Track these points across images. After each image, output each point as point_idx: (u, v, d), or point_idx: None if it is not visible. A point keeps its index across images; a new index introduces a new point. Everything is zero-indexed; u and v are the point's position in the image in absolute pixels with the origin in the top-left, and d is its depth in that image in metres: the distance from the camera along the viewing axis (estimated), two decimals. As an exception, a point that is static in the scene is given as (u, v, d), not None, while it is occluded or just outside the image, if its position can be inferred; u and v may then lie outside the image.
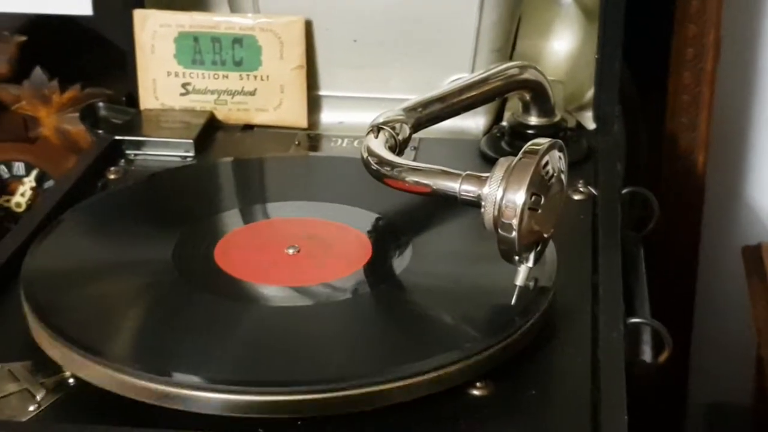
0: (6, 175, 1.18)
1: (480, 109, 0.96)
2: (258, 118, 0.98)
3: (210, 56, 0.97)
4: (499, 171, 0.67)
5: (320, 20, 0.97)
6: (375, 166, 0.74)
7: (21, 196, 1.17)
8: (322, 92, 1.00)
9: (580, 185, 0.86)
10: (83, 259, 0.73)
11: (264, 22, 0.96)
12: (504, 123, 0.96)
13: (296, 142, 0.95)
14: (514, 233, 0.65)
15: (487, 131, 0.98)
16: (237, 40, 0.96)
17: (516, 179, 0.65)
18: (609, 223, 0.80)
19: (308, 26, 0.96)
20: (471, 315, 0.67)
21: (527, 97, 0.91)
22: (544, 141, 0.67)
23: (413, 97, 0.94)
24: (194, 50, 0.97)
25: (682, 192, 1.10)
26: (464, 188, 0.69)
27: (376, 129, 0.77)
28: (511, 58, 1.03)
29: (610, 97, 0.96)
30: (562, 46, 1.04)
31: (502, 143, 0.94)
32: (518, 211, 0.65)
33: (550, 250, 0.72)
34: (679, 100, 1.09)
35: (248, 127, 0.99)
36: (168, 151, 0.92)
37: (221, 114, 0.98)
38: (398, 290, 0.70)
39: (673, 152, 1.10)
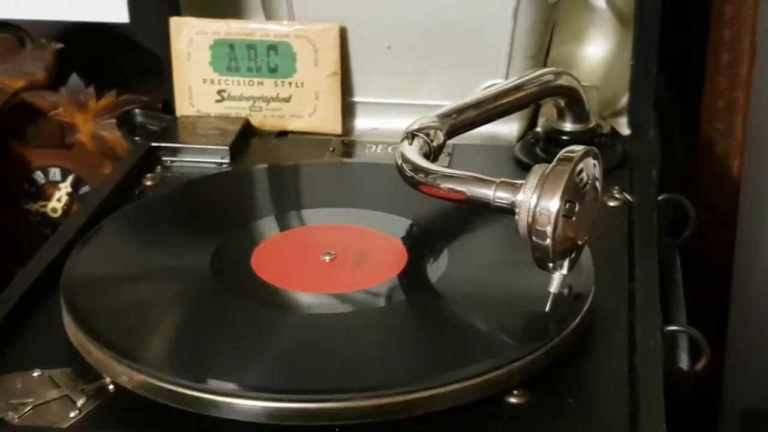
0: (42, 181, 1.19)
1: (514, 115, 0.96)
2: (293, 125, 0.99)
3: (245, 63, 0.97)
4: (533, 178, 0.67)
5: (355, 27, 0.97)
6: (409, 173, 0.74)
7: (57, 202, 1.19)
8: (356, 98, 1.00)
9: (615, 191, 0.86)
10: (122, 266, 0.73)
11: (299, 29, 0.96)
12: (538, 129, 0.96)
13: (330, 149, 0.96)
14: (548, 240, 0.65)
15: (521, 137, 0.98)
16: (272, 47, 0.97)
17: (550, 186, 0.65)
18: (645, 230, 0.80)
19: (343, 33, 0.97)
20: (507, 323, 0.67)
21: (562, 103, 0.91)
22: (578, 148, 0.67)
23: (447, 103, 0.95)
24: (230, 57, 0.97)
25: (717, 198, 1.09)
26: (498, 195, 0.69)
27: (411, 136, 0.78)
28: (545, 65, 1.03)
29: (645, 102, 0.96)
30: (597, 51, 1.04)
31: (537, 149, 0.94)
32: (552, 218, 0.65)
33: (586, 256, 0.72)
34: (715, 105, 1.09)
35: (283, 134, 0.99)
36: (204, 157, 0.93)
37: (256, 120, 0.99)
38: (434, 297, 0.70)
39: (708, 158, 1.09)
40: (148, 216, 0.80)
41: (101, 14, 1.03)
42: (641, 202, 0.84)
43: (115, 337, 0.64)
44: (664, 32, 0.94)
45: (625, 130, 0.98)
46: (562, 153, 0.67)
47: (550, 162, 0.88)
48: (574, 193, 0.66)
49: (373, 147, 0.96)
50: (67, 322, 0.67)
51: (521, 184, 0.68)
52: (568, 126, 0.92)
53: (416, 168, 0.74)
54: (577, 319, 0.67)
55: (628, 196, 0.86)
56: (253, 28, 0.97)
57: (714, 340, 0.73)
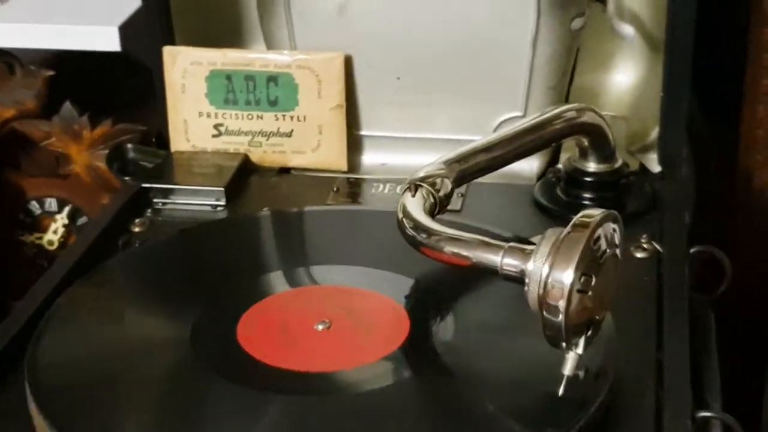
0: (38, 212, 1.14)
1: (534, 151, 0.89)
2: (295, 161, 0.92)
3: (243, 95, 0.90)
4: (545, 245, 0.60)
5: (361, 56, 0.90)
6: (410, 232, 0.67)
7: (53, 234, 1.13)
8: (363, 132, 0.93)
9: (643, 240, 0.78)
10: (91, 344, 0.66)
11: (300, 58, 0.89)
12: (560, 166, 0.89)
13: (335, 188, 0.89)
14: (561, 317, 0.58)
15: (542, 174, 0.90)
16: (272, 78, 0.90)
17: (564, 256, 0.58)
18: (675, 290, 0.72)
19: (348, 63, 0.90)
20: (517, 405, 0.60)
21: (585, 142, 0.83)
22: (596, 212, 0.60)
23: (460, 138, 0.88)
24: (227, 89, 0.90)
25: (758, 246, 1.01)
26: (507, 262, 0.62)
27: (413, 187, 0.70)
28: (568, 93, 0.96)
29: (676, 137, 0.88)
30: (624, 79, 0.96)
31: (558, 191, 0.86)
32: (566, 292, 0.58)
33: (608, 323, 0.65)
34: (754, 134, 1.01)
35: (285, 170, 0.92)
36: (198, 199, 0.86)
37: (256, 156, 0.92)
38: (438, 375, 0.63)
39: (746, 193, 1.01)
40: (126, 277, 0.73)
41: (92, 42, 0.97)
42: (671, 256, 0.76)
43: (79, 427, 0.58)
44: (699, 56, 0.86)
45: (655, 167, 0.90)
46: (578, 217, 0.60)
47: (571, 207, 0.83)
48: (590, 264, 0.58)
49: (381, 186, 0.89)
50: (33, 411, 0.61)
51: (532, 250, 0.60)
52: (591, 166, 0.84)
53: (418, 226, 0.67)
54: (597, 403, 0.60)
55: (657, 246, 0.78)
56: (251, 57, 0.90)
57: (749, 421, 0.66)
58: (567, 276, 0.58)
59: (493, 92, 0.90)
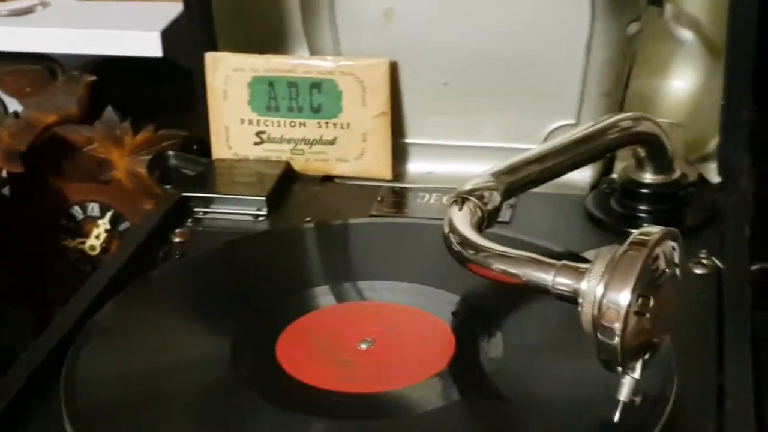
0: (80, 216, 1.13)
1: (587, 159, 0.86)
2: (338, 169, 0.89)
3: (286, 102, 0.88)
4: (600, 264, 0.56)
5: (407, 62, 0.87)
6: (457, 247, 0.64)
7: (95, 239, 1.12)
8: (409, 140, 0.90)
9: (702, 256, 0.74)
10: (127, 361, 0.64)
11: (344, 65, 0.86)
12: (614, 175, 0.85)
13: (379, 198, 0.86)
14: (617, 340, 0.55)
15: (595, 185, 0.87)
16: (315, 85, 0.87)
17: (620, 276, 0.55)
18: (737, 308, 0.68)
19: (394, 69, 0.87)
20: (569, 431, 0.57)
21: (642, 152, 0.80)
22: (655, 230, 0.57)
23: (509, 146, 0.85)
24: (269, 96, 0.88)
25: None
26: (559, 281, 0.58)
27: (461, 200, 0.67)
28: (623, 100, 0.92)
29: (737, 147, 0.84)
30: (683, 85, 0.92)
31: (612, 202, 0.83)
32: (622, 314, 0.54)
33: (667, 346, 0.61)
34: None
35: (328, 178, 0.90)
36: (239, 208, 0.84)
37: (298, 164, 0.89)
38: (484, 399, 0.60)
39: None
40: (164, 291, 0.71)
41: (134, 48, 0.95)
42: (733, 273, 0.72)
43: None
44: (762, 60, 0.82)
45: (715, 178, 0.86)
46: (635, 235, 0.57)
47: (626, 219, 0.79)
48: (648, 284, 0.55)
49: (426, 196, 0.86)
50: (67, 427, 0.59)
51: (586, 269, 0.57)
52: (648, 177, 0.81)
53: (465, 242, 0.64)
54: (655, 431, 0.56)
55: (717, 262, 0.74)
56: (294, 63, 0.87)
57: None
58: (623, 297, 0.55)
59: (545, 99, 0.87)
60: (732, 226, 0.78)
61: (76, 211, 1.12)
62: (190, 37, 0.89)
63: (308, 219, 0.82)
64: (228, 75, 0.88)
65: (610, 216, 0.81)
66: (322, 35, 0.88)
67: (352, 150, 0.88)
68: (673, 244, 0.58)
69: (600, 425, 0.57)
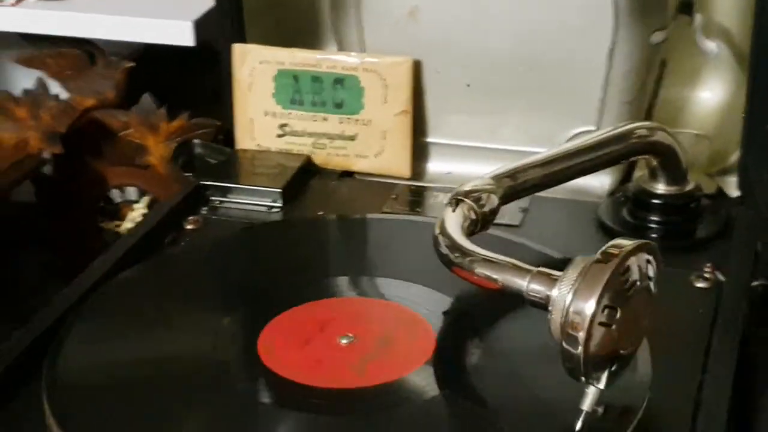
0: (118, 199, 1.15)
1: (606, 167, 0.85)
2: (357, 165, 0.90)
3: (309, 96, 0.89)
4: (572, 272, 0.56)
5: (431, 61, 0.88)
6: (444, 250, 0.64)
7: (131, 222, 1.14)
8: (430, 139, 0.91)
9: (706, 269, 0.74)
10: (109, 350, 0.65)
11: (368, 62, 0.87)
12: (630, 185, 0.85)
13: (393, 196, 0.86)
14: (580, 349, 0.54)
15: (613, 192, 0.86)
16: (338, 81, 0.88)
17: (587, 286, 0.55)
18: (728, 324, 0.68)
19: (417, 67, 0.87)
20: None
21: (654, 162, 0.79)
22: (627, 242, 0.56)
23: (529, 150, 0.84)
24: (293, 89, 0.89)
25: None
26: (532, 287, 0.58)
27: (455, 201, 0.67)
28: (651, 108, 0.91)
29: (758, 161, 0.83)
30: (711, 96, 0.91)
31: (624, 212, 0.82)
32: (586, 323, 0.54)
33: (645, 357, 0.61)
34: None
35: (347, 174, 0.90)
36: (255, 199, 0.85)
37: (319, 159, 0.90)
38: (454, 397, 0.60)
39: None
40: (157, 280, 0.72)
41: (166, 36, 0.97)
42: (732, 287, 0.71)
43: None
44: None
45: (734, 192, 0.85)
46: (607, 246, 0.56)
47: (637, 230, 0.79)
48: (616, 296, 0.55)
49: (441, 196, 0.86)
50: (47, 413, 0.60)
51: (559, 276, 0.57)
52: (660, 188, 0.80)
53: (452, 245, 0.64)
54: (616, 444, 0.56)
55: (720, 276, 0.73)
56: (319, 58, 0.88)
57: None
58: (589, 307, 0.54)
59: (566, 104, 0.86)
60: (741, 241, 0.77)
61: (115, 194, 1.14)
62: (220, 29, 0.91)
63: (320, 213, 0.83)
64: (254, 67, 0.90)
65: (621, 225, 0.81)
66: (349, 32, 0.89)
67: (372, 147, 0.89)
68: (648, 257, 0.57)
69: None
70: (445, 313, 0.67)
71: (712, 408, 0.60)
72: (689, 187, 0.80)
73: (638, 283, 0.56)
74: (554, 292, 0.57)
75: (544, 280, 0.58)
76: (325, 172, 0.90)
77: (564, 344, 0.55)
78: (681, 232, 0.80)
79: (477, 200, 0.68)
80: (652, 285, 0.58)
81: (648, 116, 0.92)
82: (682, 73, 0.92)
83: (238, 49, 0.90)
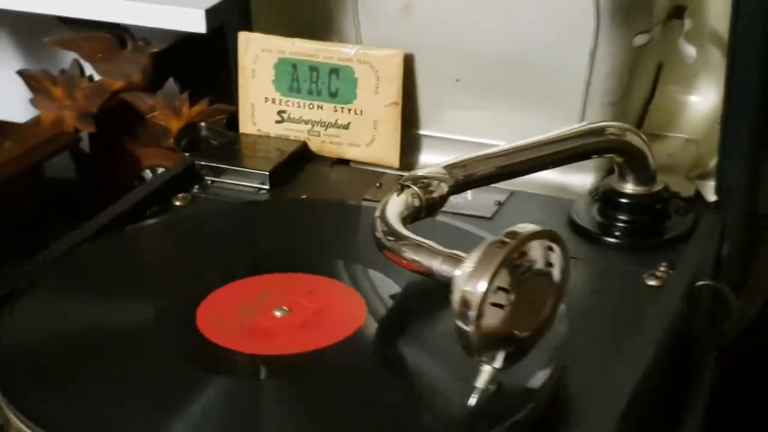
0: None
1: (588, 165, 0.86)
2: (350, 153, 0.93)
3: (307, 85, 0.93)
4: (475, 254, 0.59)
5: (422, 56, 0.90)
6: (379, 234, 0.67)
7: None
8: (422, 131, 0.93)
9: (661, 268, 0.75)
10: (58, 321, 0.69)
11: (362, 53, 0.90)
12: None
13: (378, 184, 0.89)
14: (471, 327, 0.57)
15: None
16: (334, 71, 0.91)
17: (482, 266, 0.57)
18: (654, 319, 0.69)
19: (409, 61, 0.90)
20: (432, 407, 0.61)
21: (620, 161, 0.80)
22: (527, 228, 0.58)
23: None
24: (292, 77, 0.93)
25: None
26: (442, 268, 0.61)
27: (401, 187, 0.70)
28: (647, 110, 0.93)
29: (734, 166, 0.83)
30: (701, 101, 0.92)
31: (594, 210, 0.83)
32: (476, 302, 0.56)
33: (564, 348, 0.63)
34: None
35: (341, 161, 0.94)
36: (244, 180, 0.89)
37: (314, 145, 0.94)
38: (371, 367, 0.64)
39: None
40: (110, 255, 0.76)
41: (179, 23, 1.02)
42: (672, 285, 0.72)
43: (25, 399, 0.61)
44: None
45: (712, 196, 0.85)
46: (508, 229, 0.59)
47: (605, 228, 0.80)
48: (509, 279, 0.57)
49: (424, 187, 0.89)
50: None
51: (465, 257, 0.60)
52: (628, 187, 0.81)
53: (388, 229, 0.66)
54: (508, 424, 0.58)
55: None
56: (316, 48, 0.92)
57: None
58: (480, 286, 0.57)
59: (550, 103, 0.88)
60: (698, 243, 0.78)
61: (147, 174, 1.20)
62: (229, 18, 0.95)
63: (304, 196, 0.87)
64: (257, 55, 0.94)
65: (590, 224, 0.82)
66: (347, 26, 0.93)
67: (364, 136, 0.92)
68: (552, 244, 0.59)
69: (457, 408, 0.60)
70: (379, 291, 0.70)
71: (611, 396, 0.62)
72: (657, 188, 0.81)
73: (536, 268, 0.58)
74: (457, 272, 0.59)
75: (451, 261, 0.61)
76: (320, 159, 0.94)
77: (457, 321, 0.58)
78: (646, 232, 0.81)
79: (425, 187, 0.70)
80: (555, 273, 0.60)
81: (642, 119, 0.93)
82: (676, 78, 0.92)
83: (242, 37, 0.94)
